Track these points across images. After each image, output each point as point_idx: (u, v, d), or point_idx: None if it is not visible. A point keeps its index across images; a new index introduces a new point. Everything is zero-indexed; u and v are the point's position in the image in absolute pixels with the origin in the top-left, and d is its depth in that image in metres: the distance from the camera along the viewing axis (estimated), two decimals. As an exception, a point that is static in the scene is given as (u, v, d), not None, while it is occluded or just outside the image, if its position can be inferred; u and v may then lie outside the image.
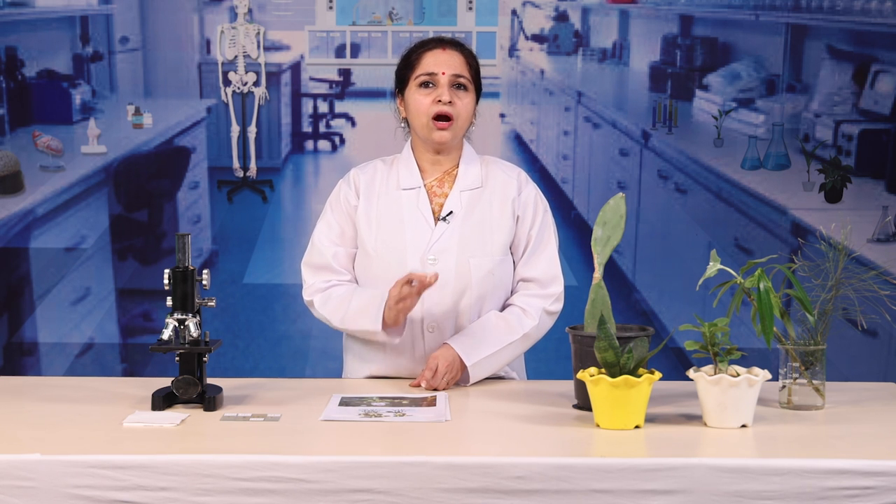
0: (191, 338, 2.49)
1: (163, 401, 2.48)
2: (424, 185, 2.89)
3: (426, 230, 2.85)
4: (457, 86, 2.83)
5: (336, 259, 2.88)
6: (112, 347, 4.71)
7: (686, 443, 2.24)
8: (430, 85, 2.82)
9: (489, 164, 2.95)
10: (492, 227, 2.87)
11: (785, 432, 2.32)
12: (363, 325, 2.79)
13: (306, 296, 2.91)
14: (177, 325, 2.50)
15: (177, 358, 2.51)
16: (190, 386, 2.48)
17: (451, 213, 2.86)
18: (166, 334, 2.49)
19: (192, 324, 2.50)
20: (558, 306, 2.90)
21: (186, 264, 2.51)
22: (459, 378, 2.76)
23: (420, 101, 2.83)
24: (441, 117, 2.81)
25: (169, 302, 2.51)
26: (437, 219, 2.86)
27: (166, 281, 2.50)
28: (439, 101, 2.81)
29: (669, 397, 2.55)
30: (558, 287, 2.89)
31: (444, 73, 2.81)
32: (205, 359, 2.52)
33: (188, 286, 2.50)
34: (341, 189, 2.93)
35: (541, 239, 2.90)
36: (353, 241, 2.91)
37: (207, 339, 2.55)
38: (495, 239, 2.86)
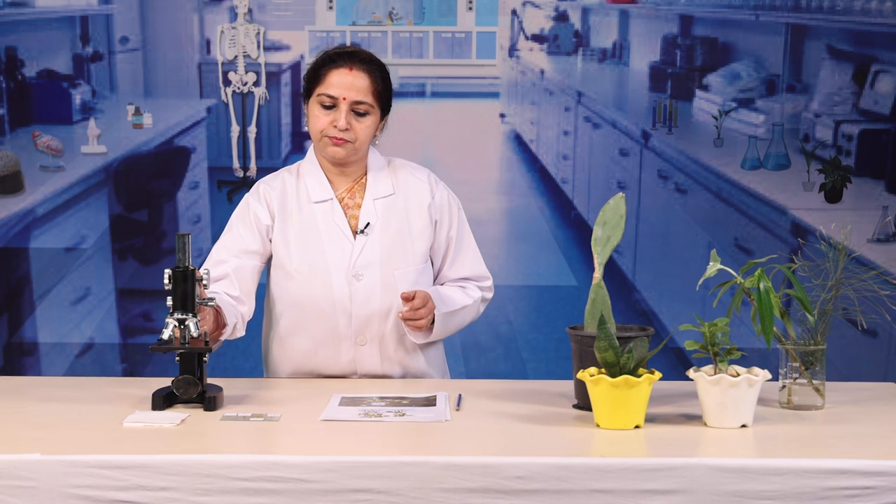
0: (191, 337, 2.49)
1: (163, 401, 2.48)
2: (336, 197, 2.87)
3: (346, 245, 2.83)
4: (357, 112, 2.79)
5: (237, 273, 2.82)
6: (112, 347, 4.71)
7: (686, 443, 2.24)
8: (331, 106, 2.78)
9: (398, 169, 2.92)
10: (411, 235, 2.86)
11: (785, 432, 2.32)
12: None
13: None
14: (177, 324, 2.49)
15: (177, 358, 2.50)
16: (190, 386, 2.48)
17: (367, 224, 2.84)
18: (166, 334, 2.48)
19: (191, 324, 2.48)
20: (491, 294, 3.02)
21: (186, 264, 2.50)
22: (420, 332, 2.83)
23: (318, 119, 2.79)
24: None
25: (169, 302, 2.51)
26: (355, 232, 2.85)
27: (166, 281, 2.49)
28: (336, 125, 2.77)
29: (669, 397, 2.56)
30: (489, 281, 3.00)
31: (344, 99, 2.76)
32: (205, 359, 2.52)
33: (188, 286, 2.49)
34: (250, 204, 2.88)
35: (461, 239, 2.95)
36: (260, 256, 2.86)
37: (207, 339, 2.55)
38: (416, 248, 2.87)
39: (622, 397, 2.27)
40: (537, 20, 4.71)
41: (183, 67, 4.69)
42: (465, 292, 2.93)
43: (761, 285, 2.37)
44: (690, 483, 2.07)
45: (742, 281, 2.39)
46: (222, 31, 4.67)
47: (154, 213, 4.72)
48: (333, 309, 2.82)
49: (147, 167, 4.69)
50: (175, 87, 4.69)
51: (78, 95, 4.65)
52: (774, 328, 2.40)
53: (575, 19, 4.72)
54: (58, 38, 4.65)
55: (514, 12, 4.70)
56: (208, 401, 2.48)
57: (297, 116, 4.76)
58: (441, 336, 2.89)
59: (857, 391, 2.69)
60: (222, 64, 4.68)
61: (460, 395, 2.59)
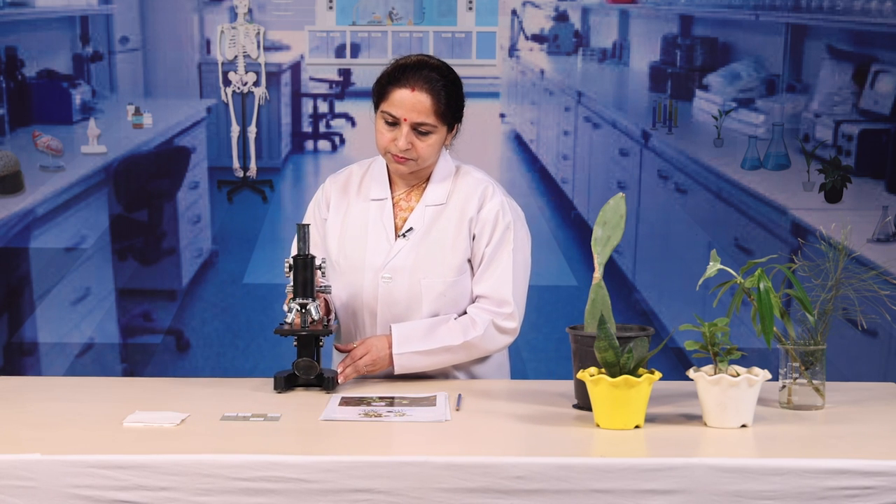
0: (311, 321, 2.63)
1: (284, 382, 2.62)
2: (392, 197, 2.88)
3: (385, 246, 2.84)
4: (419, 131, 2.77)
5: None
6: (112, 347, 4.71)
7: (686, 443, 2.24)
8: (394, 124, 2.77)
9: (459, 178, 2.89)
10: (447, 246, 2.83)
11: (785, 432, 2.32)
12: None
13: None
14: (299, 308, 2.63)
15: (295, 342, 2.64)
16: (311, 367, 2.62)
17: (410, 229, 2.84)
18: (290, 318, 2.64)
19: (312, 308, 2.64)
20: (510, 324, 2.83)
21: (307, 252, 2.65)
22: (386, 366, 2.79)
23: (382, 135, 2.79)
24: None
25: (289, 288, 2.66)
26: (398, 234, 2.85)
27: (287, 269, 2.65)
28: (397, 144, 2.76)
29: (669, 397, 2.56)
30: (509, 308, 2.82)
31: (405, 120, 2.75)
32: (320, 343, 2.66)
33: (308, 273, 2.64)
34: (317, 201, 2.97)
35: (494, 256, 2.83)
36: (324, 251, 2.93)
37: (326, 323, 2.71)
38: (448, 260, 2.83)
39: (622, 397, 2.27)
40: (537, 20, 4.71)
41: (183, 67, 4.69)
42: (465, 330, 2.81)
43: (761, 285, 2.37)
44: (690, 483, 2.07)
45: (742, 281, 2.39)
46: (222, 31, 4.67)
47: (154, 213, 4.72)
48: (361, 306, 2.86)
49: (147, 167, 4.69)
50: (175, 87, 4.69)
51: (78, 95, 4.65)
52: (774, 328, 2.40)
53: (575, 19, 4.72)
54: (58, 38, 4.65)
55: (514, 12, 4.70)
56: (327, 381, 2.62)
57: (297, 116, 4.76)
58: (408, 371, 2.79)
59: (857, 391, 2.69)
60: (222, 64, 4.68)
61: (460, 395, 2.59)
